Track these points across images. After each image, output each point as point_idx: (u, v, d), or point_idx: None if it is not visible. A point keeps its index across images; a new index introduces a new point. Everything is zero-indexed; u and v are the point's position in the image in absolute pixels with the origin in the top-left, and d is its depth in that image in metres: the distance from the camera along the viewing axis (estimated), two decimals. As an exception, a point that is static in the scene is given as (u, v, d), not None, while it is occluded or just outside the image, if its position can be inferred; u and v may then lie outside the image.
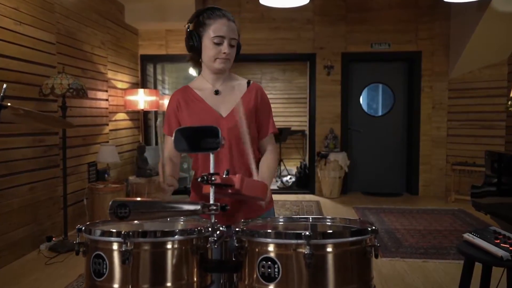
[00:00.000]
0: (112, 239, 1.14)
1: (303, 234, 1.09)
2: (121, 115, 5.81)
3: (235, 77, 1.76)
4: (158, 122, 1.32)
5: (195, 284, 1.22)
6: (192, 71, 8.26)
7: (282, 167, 8.20)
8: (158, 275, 1.17)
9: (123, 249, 1.11)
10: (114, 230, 1.16)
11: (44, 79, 3.84)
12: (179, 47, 6.45)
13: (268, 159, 1.70)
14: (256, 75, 9.74)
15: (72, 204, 4.51)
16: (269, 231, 1.16)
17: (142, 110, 5.87)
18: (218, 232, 1.13)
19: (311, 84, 6.62)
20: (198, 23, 1.63)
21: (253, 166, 1.47)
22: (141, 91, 5.79)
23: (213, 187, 1.12)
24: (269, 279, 1.13)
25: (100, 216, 4.52)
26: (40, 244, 3.91)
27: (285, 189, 6.95)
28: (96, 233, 1.18)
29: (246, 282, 1.19)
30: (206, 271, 1.22)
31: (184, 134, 1.09)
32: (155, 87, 6.85)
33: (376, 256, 1.19)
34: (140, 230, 1.16)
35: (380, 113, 6.96)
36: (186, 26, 1.65)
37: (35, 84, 3.84)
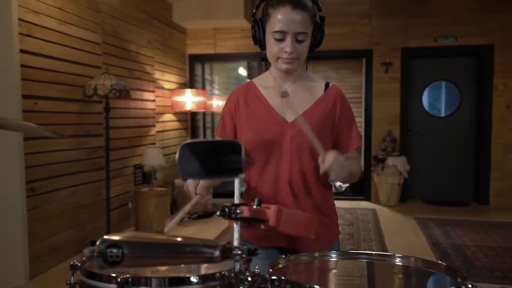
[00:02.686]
0: (105, 285, 0.87)
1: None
2: (169, 116, 5.69)
3: (311, 77, 1.45)
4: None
5: None
6: (242, 71, 8.04)
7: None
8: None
9: (120, 301, 0.83)
10: (112, 275, 0.88)
11: (89, 80, 3.75)
12: (228, 46, 6.24)
13: (353, 158, 1.40)
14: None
15: (117, 208, 4.42)
16: (312, 286, 0.83)
17: (190, 111, 5.71)
18: (246, 281, 0.83)
19: (367, 82, 6.15)
20: (262, 10, 1.34)
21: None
22: (188, 91, 5.62)
23: (238, 222, 0.81)
24: None
25: (144, 221, 4.40)
26: (83, 248, 3.82)
27: (338, 194, 6.52)
28: (91, 276, 0.92)
29: None
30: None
31: (194, 151, 0.78)
32: (203, 87, 6.69)
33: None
34: (142, 276, 0.88)
35: (444, 114, 6.32)
36: (253, 12, 1.38)
37: (80, 85, 3.76)
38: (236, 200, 0.83)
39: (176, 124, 5.93)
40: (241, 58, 6.53)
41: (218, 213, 0.81)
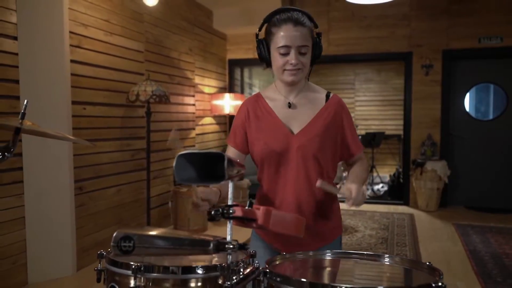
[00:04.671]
0: (124, 271, 1.03)
1: (338, 288, 0.86)
2: (208, 119, 5.91)
3: (313, 88, 1.59)
4: (169, 139, 1.15)
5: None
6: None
7: (375, 174, 7.68)
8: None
9: (132, 285, 0.98)
10: (131, 262, 1.04)
11: (132, 86, 4.01)
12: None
13: (360, 165, 1.54)
14: (348, 76, 9.30)
15: (157, 207, 4.67)
16: (299, 279, 0.94)
17: (228, 114, 5.91)
18: (239, 273, 0.95)
19: (406, 85, 6.06)
20: (265, 31, 1.50)
21: (326, 187, 1.35)
22: (227, 95, 5.82)
23: (231, 220, 0.94)
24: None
25: (183, 220, 4.62)
26: (125, 243, 4.08)
27: (376, 198, 6.47)
28: (113, 264, 1.08)
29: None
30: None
31: (189, 160, 0.92)
32: (242, 91, 6.87)
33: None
34: (157, 264, 1.02)
35: (489, 117, 6.11)
36: (256, 33, 1.53)
37: (124, 91, 4.03)
38: (230, 201, 0.96)
39: (215, 127, 6.14)
40: (279, 62, 6.63)
41: (212, 212, 0.94)
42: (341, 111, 1.52)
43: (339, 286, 0.90)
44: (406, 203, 6.04)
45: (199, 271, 1.03)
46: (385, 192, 6.57)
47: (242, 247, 0.92)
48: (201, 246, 0.91)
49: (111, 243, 0.92)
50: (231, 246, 0.91)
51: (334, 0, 6.13)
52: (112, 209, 3.95)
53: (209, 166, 0.92)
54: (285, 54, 1.42)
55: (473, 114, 6.06)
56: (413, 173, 5.81)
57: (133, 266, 1.00)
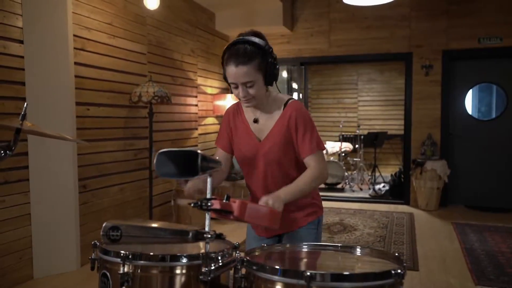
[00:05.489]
0: (113, 259, 1.12)
1: (305, 274, 0.94)
2: (210, 120, 6.02)
3: (276, 99, 1.69)
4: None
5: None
6: (285, 74, 8.25)
7: (377, 174, 7.73)
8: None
9: (121, 271, 1.08)
10: (121, 251, 1.13)
11: (134, 87, 4.12)
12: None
13: (303, 175, 1.61)
14: (351, 76, 9.36)
15: (160, 205, 4.78)
16: (272, 266, 1.03)
17: (230, 114, 5.99)
18: (217, 261, 1.04)
19: (407, 85, 6.11)
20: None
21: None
22: (229, 96, 5.92)
23: (209, 212, 1.03)
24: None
25: (185, 218, 4.73)
26: (128, 240, 4.20)
27: (377, 197, 6.53)
28: (105, 253, 1.18)
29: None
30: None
31: (168, 157, 1.02)
32: (245, 92, 6.95)
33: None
34: (145, 253, 1.12)
35: (489, 117, 6.15)
36: (222, 62, 1.65)
37: (127, 92, 4.15)
38: (208, 195, 1.05)
39: (217, 127, 6.24)
40: (281, 63, 6.70)
41: (192, 205, 1.03)
42: (295, 115, 1.62)
43: (308, 272, 0.98)
44: (406, 202, 6.09)
45: (184, 260, 1.12)
46: (387, 191, 6.62)
47: (219, 236, 1.02)
48: (181, 235, 1.01)
49: (101, 233, 1.02)
50: (209, 236, 1.01)
51: (335, 1, 6.20)
52: (115, 206, 4.06)
53: (186, 162, 1.02)
54: (236, 88, 1.58)
55: (473, 114, 6.10)
56: (413, 172, 5.87)
57: (122, 254, 1.09)
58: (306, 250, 1.30)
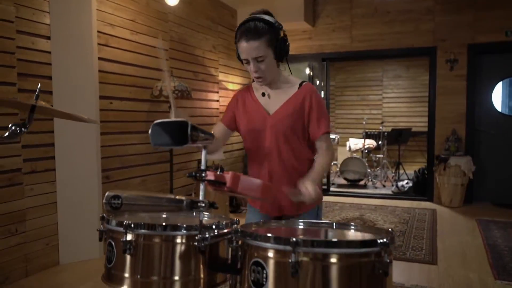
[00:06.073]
0: (117, 228, 1.20)
1: (291, 240, 0.99)
2: (232, 115, 6.09)
3: (288, 80, 1.79)
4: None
5: (201, 281, 1.21)
6: (308, 69, 8.24)
7: (401, 171, 7.62)
8: (163, 268, 1.19)
9: (124, 239, 1.15)
10: (125, 221, 1.21)
11: (156, 82, 4.24)
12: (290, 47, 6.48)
13: (322, 156, 1.71)
14: (377, 73, 9.25)
15: (181, 197, 4.89)
16: (264, 234, 1.08)
17: (251, 110, 6.06)
18: (212, 230, 1.10)
19: (431, 80, 6.01)
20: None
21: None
22: (250, 92, 5.98)
23: (204, 183, 1.09)
24: (258, 285, 1.05)
25: (205, 210, 4.82)
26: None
27: (400, 194, 6.45)
28: (111, 223, 1.26)
29: (243, 287, 1.13)
30: (210, 269, 1.20)
31: (161, 128, 1.09)
32: (267, 88, 6.99)
33: (386, 275, 1.01)
34: (146, 223, 1.19)
35: (518, 112, 5.96)
36: (235, 41, 1.71)
37: (149, 87, 4.27)
38: (203, 166, 1.11)
39: (239, 123, 6.31)
40: (302, 59, 6.73)
41: (187, 175, 1.09)
42: (310, 96, 1.71)
43: (298, 239, 1.02)
44: (430, 199, 5.99)
45: (183, 230, 1.19)
46: (410, 188, 6.53)
47: (212, 205, 1.08)
48: (176, 204, 1.07)
49: (103, 201, 1.09)
50: (203, 205, 1.07)
51: (357, -4, 6.16)
52: (137, 198, 4.19)
53: (177, 131, 1.09)
54: (247, 63, 1.64)
55: (502, 109, 5.93)
56: (436, 168, 5.76)
57: (125, 223, 1.17)
58: (302, 227, 1.34)
